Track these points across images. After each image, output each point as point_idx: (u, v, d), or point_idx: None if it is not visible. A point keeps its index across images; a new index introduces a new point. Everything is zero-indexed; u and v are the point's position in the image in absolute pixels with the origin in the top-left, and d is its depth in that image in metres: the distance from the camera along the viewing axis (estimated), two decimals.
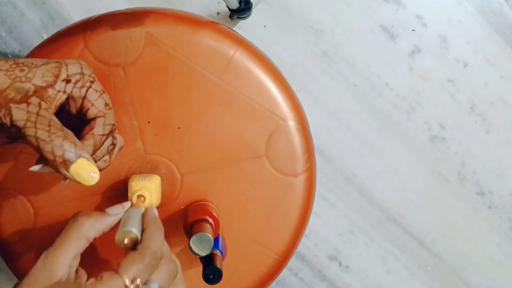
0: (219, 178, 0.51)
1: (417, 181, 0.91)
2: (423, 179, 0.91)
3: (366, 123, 0.88)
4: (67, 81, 0.37)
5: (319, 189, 0.76)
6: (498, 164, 0.91)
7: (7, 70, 0.35)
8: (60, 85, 0.37)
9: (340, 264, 0.93)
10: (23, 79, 0.35)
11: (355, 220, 0.91)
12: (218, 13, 0.83)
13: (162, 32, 0.49)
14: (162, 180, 0.51)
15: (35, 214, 0.50)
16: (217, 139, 0.51)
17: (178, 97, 0.50)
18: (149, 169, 0.52)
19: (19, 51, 0.82)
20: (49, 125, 0.33)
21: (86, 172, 0.34)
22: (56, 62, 0.38)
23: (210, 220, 0.49)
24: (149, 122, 0.50)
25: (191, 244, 0.46)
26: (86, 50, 0.48)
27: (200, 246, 0.46)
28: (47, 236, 0.51)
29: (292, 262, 0.92)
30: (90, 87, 0.39)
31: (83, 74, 0.38)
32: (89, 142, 0.38)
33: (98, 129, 0.39)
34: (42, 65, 0.37)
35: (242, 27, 0.83)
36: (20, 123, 0.33)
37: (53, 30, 0.77)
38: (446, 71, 0.87)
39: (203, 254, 0.46)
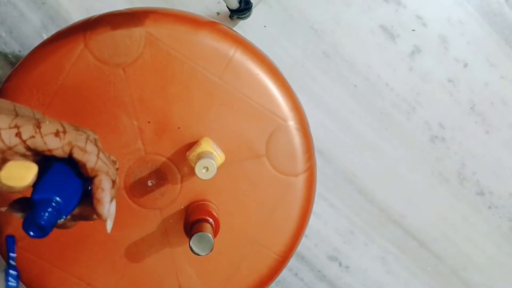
0: (219, 178, 0.51)
1: (417, 181, 0.91)
2: (423, 179, 0.91)
3: (366, 123, 0.88)
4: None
5: (319, 189, 0.75)
6: (498, 164, 0.91)
7: None
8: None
9: (340, 264, 0.93)
10: None
11: (355, 220, 0.91)
12: (218, 13, 0.83)
13: (162, 32, 0.49)
14: (162, 180, 0.51)
15: None
16: (217, 139, 0.51)
17: (178, 97, 0.50)
18: (149, 169, 0.52)
19: (19, 51, 0.82)
20: None
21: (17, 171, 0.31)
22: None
23: (210, 220, 0.49)
24: (149, 122, 0.50)
25: (191, 244, 0.46)
26: (86, 50, 0.48)
27: (200, 246, 0.46)
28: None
29: (292, 262, 0.92)
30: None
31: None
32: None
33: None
34: None
35: (242, 27, 0.83)
36: None
37: (53, 30, 0.77)
38: (446, 71, 0.87)
39: (203, 253, 0.46)
